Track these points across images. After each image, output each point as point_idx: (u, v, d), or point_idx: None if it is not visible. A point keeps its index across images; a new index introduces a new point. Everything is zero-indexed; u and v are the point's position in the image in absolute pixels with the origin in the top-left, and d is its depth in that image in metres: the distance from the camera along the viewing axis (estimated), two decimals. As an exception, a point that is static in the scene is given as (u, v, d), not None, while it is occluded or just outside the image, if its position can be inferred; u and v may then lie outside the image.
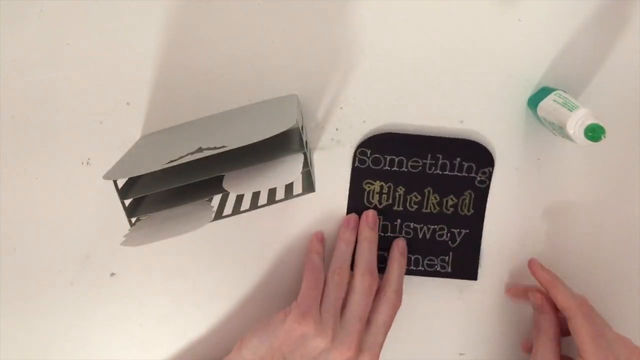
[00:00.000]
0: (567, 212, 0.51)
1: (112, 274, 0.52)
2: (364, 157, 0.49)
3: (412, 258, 0.52)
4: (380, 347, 0.47)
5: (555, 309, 0.48)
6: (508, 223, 0.51)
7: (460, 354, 0.54)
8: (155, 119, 0.48)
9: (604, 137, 0.38)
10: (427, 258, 0.52)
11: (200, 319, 0.53)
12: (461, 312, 0.53)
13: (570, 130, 0.39)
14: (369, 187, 0.50)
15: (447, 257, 0.52)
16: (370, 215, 0.50)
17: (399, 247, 0.51)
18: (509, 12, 0.46)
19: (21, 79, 0.47)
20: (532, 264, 0.50)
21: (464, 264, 0.51)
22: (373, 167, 0.50)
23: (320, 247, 0.50)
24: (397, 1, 0.46)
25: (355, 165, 0.50)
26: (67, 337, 0.53)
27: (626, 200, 0.50)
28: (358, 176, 0.50)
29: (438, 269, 0.52)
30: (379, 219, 0.51)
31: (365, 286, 0.47)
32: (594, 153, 0.49)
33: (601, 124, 0.38)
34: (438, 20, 0.46)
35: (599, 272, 0.52)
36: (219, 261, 0.52)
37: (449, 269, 0.52)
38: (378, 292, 0.48)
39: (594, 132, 0.38)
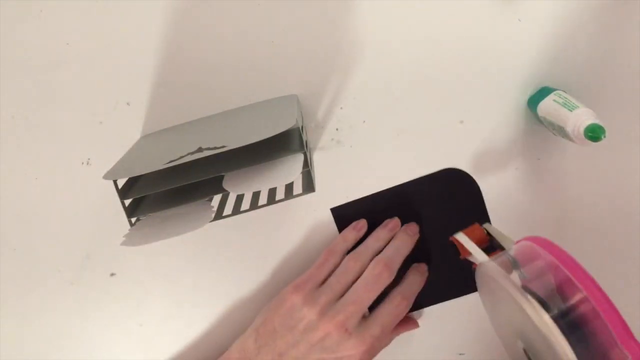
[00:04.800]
0: (567, 212, 0.51)
1: (112, 274, 0.52)
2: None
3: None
4: (374, 339, 0.44)
5: None
6: (508, 223, 0.51)
7: (460, 354, 0.54)
8: (155, 119, 0.48)
9: (604, 137, 0.38)
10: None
11: (200, 319, 0.53)
12: (461, 312, 0.53)
13: (570, 130, 0.39)
14: None
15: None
16: (412, 225, 0.50)
17: (420, 267, 0.51)
18: (509, 12, 0.46)
19: (21, 78, 0.47)
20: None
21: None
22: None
23: (352, 236, 0.49)
24: (397, 1, 0.46)
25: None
26: (67, 337, 0.53)
27: (626, 200, 0.50)
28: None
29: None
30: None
31: (374, 273, 0.44)
32: (594, 153, 0.49)
33: (601, 124, 0.38)
34: (438, 20, 0.46)
35: (599, 272, 0.52)
36: (219, 261, 0.51)
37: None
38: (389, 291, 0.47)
39: (594, 132, 0.38)
